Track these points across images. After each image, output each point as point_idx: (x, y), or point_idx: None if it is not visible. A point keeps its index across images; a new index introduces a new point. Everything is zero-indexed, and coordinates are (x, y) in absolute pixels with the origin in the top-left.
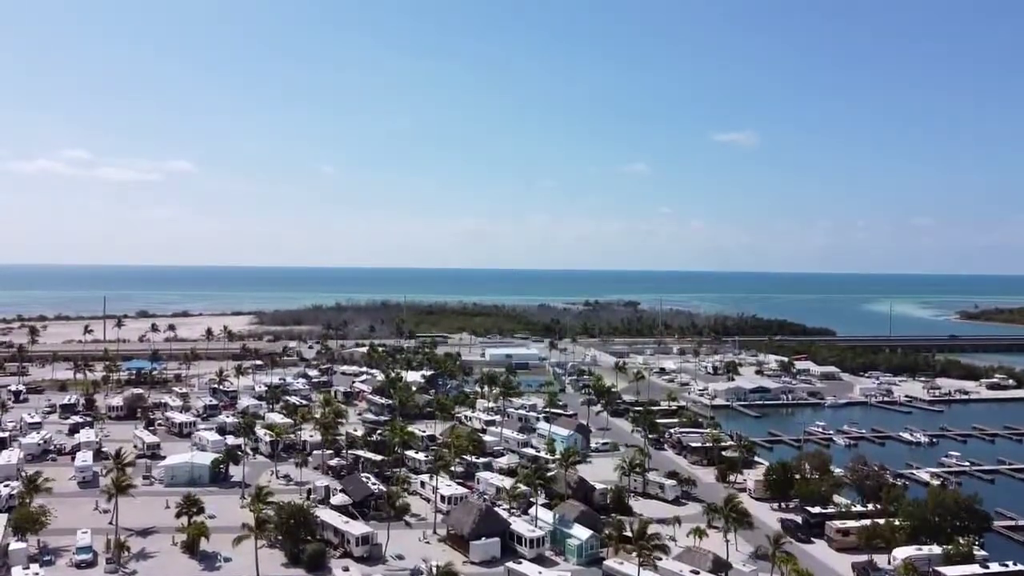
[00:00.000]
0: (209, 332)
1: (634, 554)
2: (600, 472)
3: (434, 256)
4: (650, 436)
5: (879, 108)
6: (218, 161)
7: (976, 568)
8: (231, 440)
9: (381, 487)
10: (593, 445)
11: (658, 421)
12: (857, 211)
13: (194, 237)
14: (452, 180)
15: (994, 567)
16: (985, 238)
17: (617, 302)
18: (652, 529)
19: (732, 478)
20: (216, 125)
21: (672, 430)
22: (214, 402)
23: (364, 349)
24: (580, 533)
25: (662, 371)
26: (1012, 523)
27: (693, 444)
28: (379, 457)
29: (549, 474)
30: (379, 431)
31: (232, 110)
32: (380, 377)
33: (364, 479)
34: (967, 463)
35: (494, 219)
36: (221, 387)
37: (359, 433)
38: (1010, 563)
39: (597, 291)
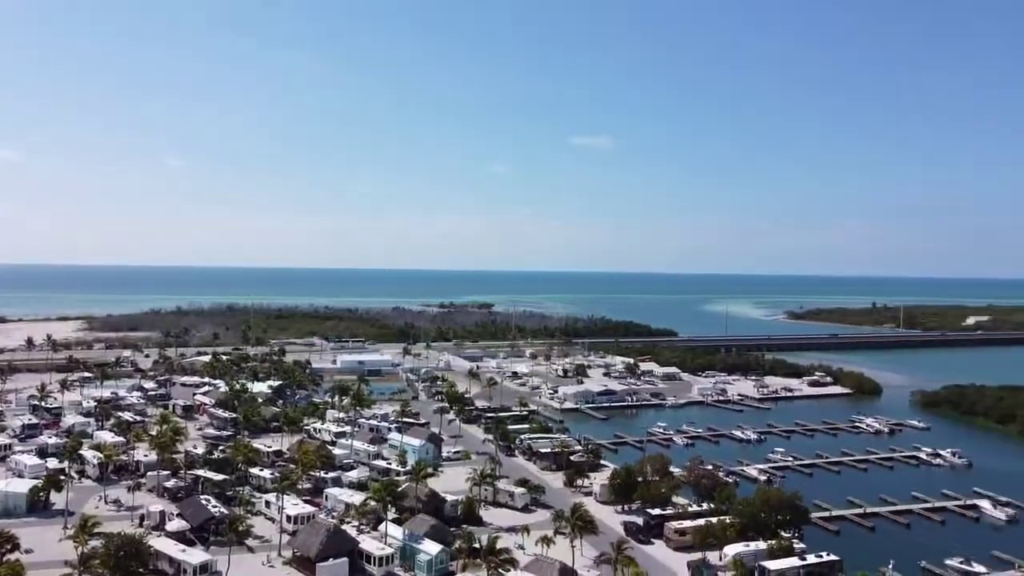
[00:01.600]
0: (30, 341)
1: (483, 569)
2: (452, 482)
3: (289, 254)
4: (502, 443)
5: (728, 118)
6: (49, 151)
7: (795, 560)
8: (53, 463)
9: (223, 509)
10: (445, 454)
11: (510, 427)
12: (707, 214)
13: (16, 232)
14: (310, 176)
15: (810, 558)
16: (814, 241)
17: (472, 304)
18: (502, 538)
19: (579, 483)
20: (49, 113)
21: (523, 436)
22: (34, 421)
23: (206, 358)
24: (430, 548)
25: (515, 375)
26: (827, 514)
27: (543, 450)
28: (221, 477)
29: (400, 488)
30: (221, 448)
31: (68, 96)
32: (224, 388)
33: (204, 501)
34: (790, 458)
35: (351, 217)
36: (43, 404)
37: (199, 451)
38: (824, 553)
39: (454, 292)
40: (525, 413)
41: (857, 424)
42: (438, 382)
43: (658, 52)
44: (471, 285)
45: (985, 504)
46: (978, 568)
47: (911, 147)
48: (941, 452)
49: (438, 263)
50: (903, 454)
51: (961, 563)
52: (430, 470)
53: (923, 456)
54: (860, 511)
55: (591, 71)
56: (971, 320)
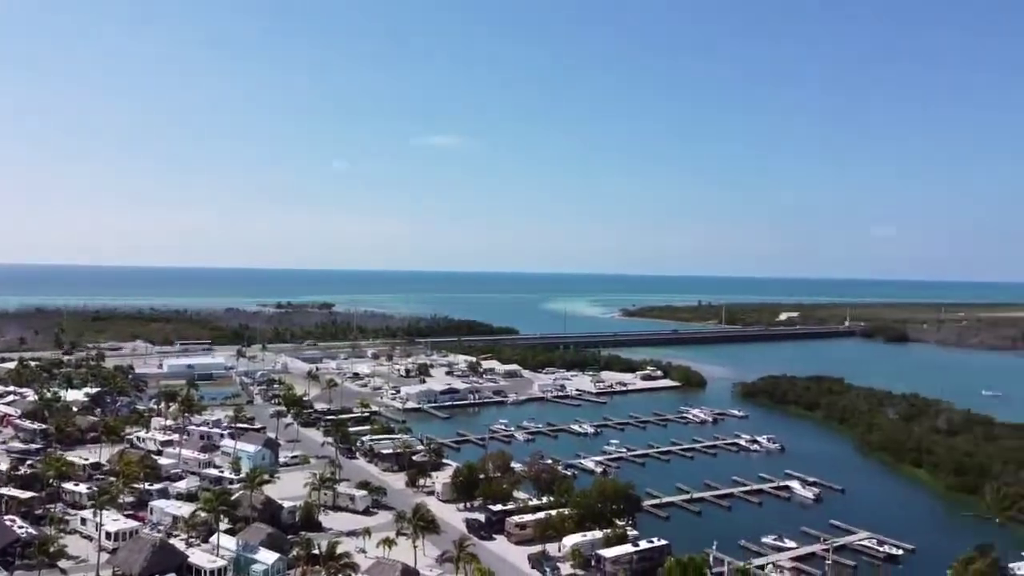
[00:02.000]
0: None
1: (322, 575)
2: (290, 488)
3: (117, 251)
4: (342, 445)
5: (575, 118)
6: None
7: (629, 547)
8: None
9: (31, 530)
10: (283, 459)
11: (350, 429)
12: (548, 216)
13: None
14: (131, 167)
15: (643, 544)
16: (647, 243)
17: (311, 305)
18: (342, 543)
19: (422, 482)
20: None
21: (364, 438)
22: None
23: (12, 364)
24: (266, 557)
25: (356, 376)
26: (658, 501)
27: (384, 451)
28: (29, 494)
29: (233, 497)
30: (30, 462)
31: None
32: (32, 397)
33: (8, 523)
34: (624, 450)
35: (182, 210)
36: None
37: (3, 467)
38: (655, 539)
39: (292, 292)
40: (366, 414)
41: (685, 415)
42: (275, 385)
43: (505, 51)
44: (309, 286)
45: (795, 485)
46: (789, 543)
47: (738, 152)
48: (758, 439)
49: (282, 262)
50: (725, 442)
51: (775, 540)
52: (266, 476)
53: (742, 443)
54: (687, 497)
55: (435, 68)
56: (783, 316)
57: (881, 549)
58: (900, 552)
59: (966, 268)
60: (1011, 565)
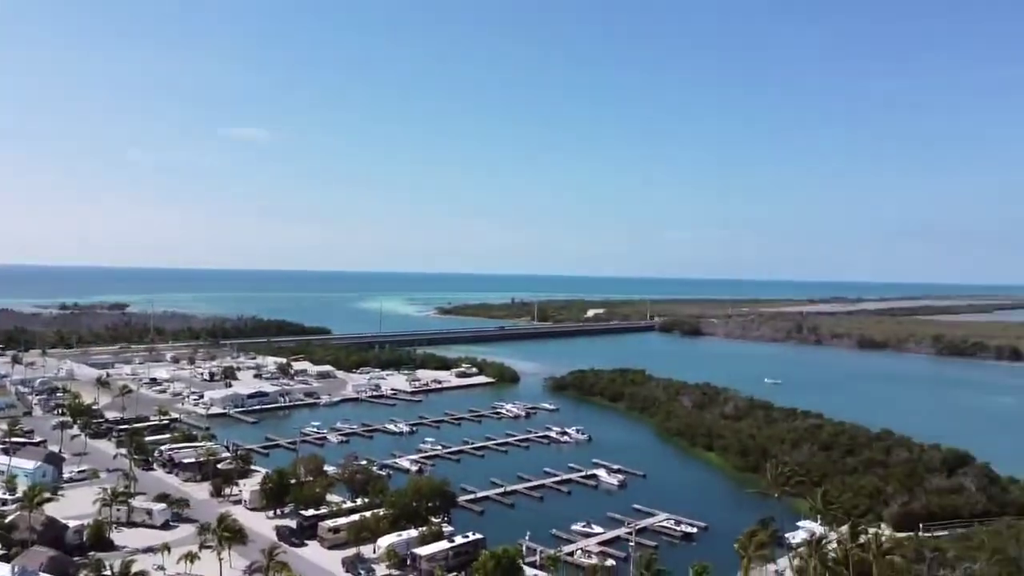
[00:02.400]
0: None
1: None
2: (77, 506)
3: None
4: (138, 456)
5: (399, 114)
6: None
7: (444, 544)
8: None
9: None
10: (67, 475)
11: (147, 439)
12: (369, 211)
13: None
14: None
15: (458, 540)
16: (460, 241)
17: (101, 305)
18: (138, 561)
19: (228, 491)
20: None
21: (163, 447)
22: None
23: None
24: None
25: (153, 382)
26: (473, 496)
27: (186, 460)
28: None
29: (8, 519)
30: None
31: None
32: None
33: None
34: (440, 447)
35: None
36: None
37: None
38: (470, 533)
39: (79, 292)
40: (166, 422)
41: (498, 410)
42: (58, 394)
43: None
44: (100, 284)
45: (602, 473)
46: (597, 529)
47: (550, 159)
48: (568, 430)
49: (64, 258)
50: (537, 435)
51: (583, 526)
52: (47, 495)
53: (553, 435)
54: (501, 490)
55: (246, 57)
56: (590, 313)
57: (678, 528)
58: (695, 530)
59: (748, 268)
60: (787, 534)
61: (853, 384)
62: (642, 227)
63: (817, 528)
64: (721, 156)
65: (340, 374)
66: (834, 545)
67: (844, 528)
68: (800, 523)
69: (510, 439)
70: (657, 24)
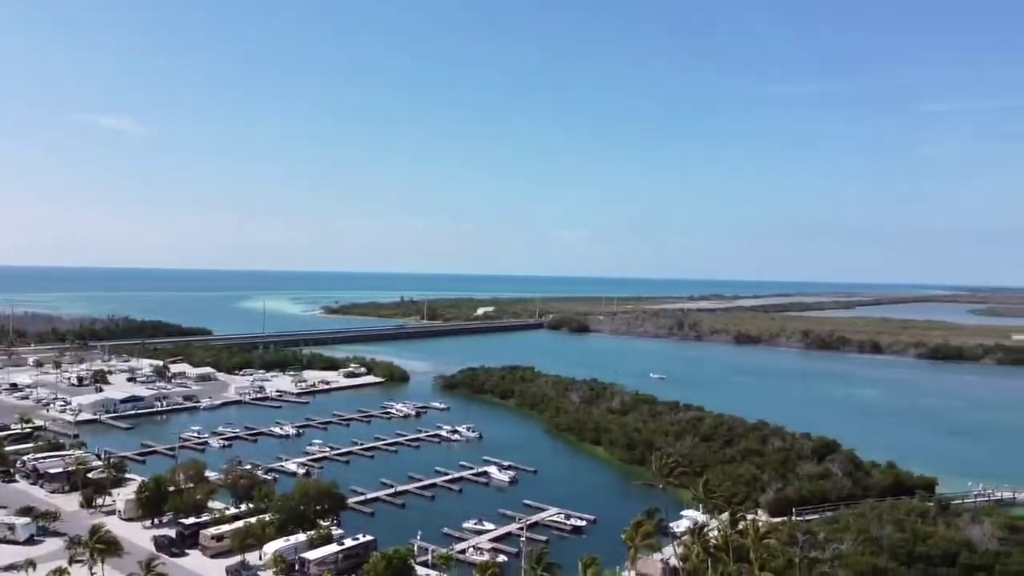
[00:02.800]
0: None
1: None
2: None
3: None
4: None
5: (278, 116)
6: None
7: (334, 547)
8: None
9: None
10: None
11: (7, 448)
12: (242, 206)
13: None
14: None
15: (348, 542)
16: (345, 238)
17: None
18: None
19: (100, 502)
20: None
21: (26, 457)
22: None
23: None
24: None
25: (14, 387)
26: (363, 498)
27: (52, 470)
28: None
29: None
30: None
31: None
32: None
33: None
34: (328, 449)
35: None
36: None
37: None
38: (360, 535)
39: None
40: (28, 430)
41: (388, 410)
42: None
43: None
44: None
45: (493, 470)
46: (488, 526)
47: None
48: (459, 428)
49: None
50: (428, 434)
51: (475, 524)
52: None
53: (444, 434)
54: (392, 490)
55: (115, 46)
56: (480, 311)
57: (568, 522)
58: (584, 523)
59: (633, 267)
60: (672, 524)
61: (731, 377)
62: (534, 227)
63: (699, 516)
64: (601, 158)
65: (222, 376)
66: (715, 532)
67: (724, 515)
68: (683, 512)
69: (400, 439)
70: (521, 26)
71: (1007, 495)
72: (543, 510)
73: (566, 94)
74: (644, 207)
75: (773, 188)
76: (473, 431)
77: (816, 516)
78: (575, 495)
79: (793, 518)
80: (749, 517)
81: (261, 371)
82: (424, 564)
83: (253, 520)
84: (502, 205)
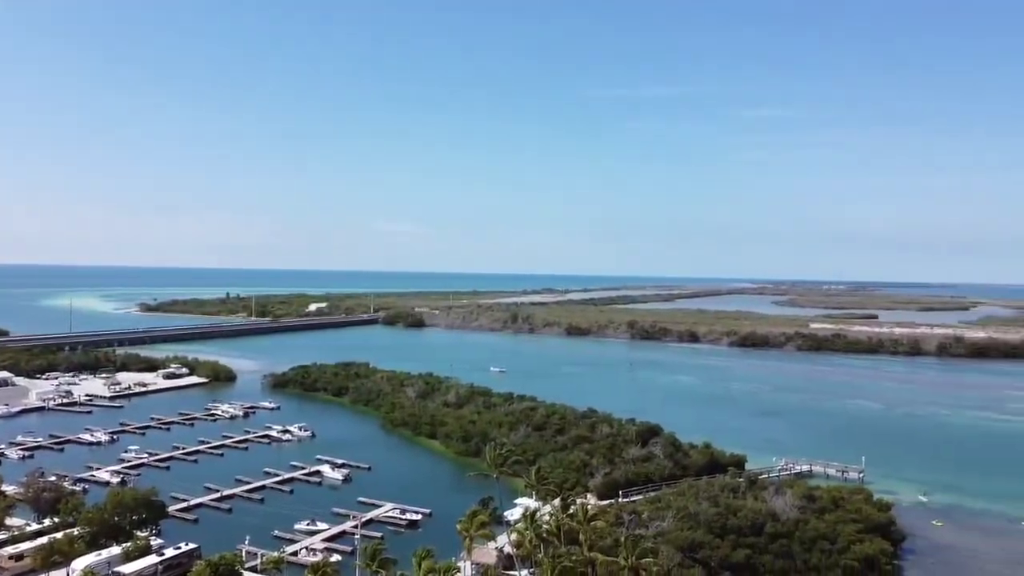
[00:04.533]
0: None
1: None
2: None
3: None
4: None
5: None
6: None
7: (153, 558)
8: None
9: None
10: None
11: None
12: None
13: None
14: None
15: (169, 552)
16: (159, 232)
17: None
18: None
19: None
20: None
21: None
22: None
23: None
24: None
25: None
26: (185, 504)
27: None
28: None
29: None
30: None
31: None
32: None
33: None
34: (146, 455)
35: None
36: None
37: None
38: (183, 544)
39: None
40: None
41: (214, 412)
42: None
43: None
44: None
45: (326, 468)
46: (322, 525)
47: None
48: (290, 428)
49: None
50: (257, 434)
51: (308, 524)
52: None
53: (274, 434)
54: (217, 495)
55: None
56: (312, 307)
57: (404, 517)
58: (420, 517)
59: (470, 262)
60: (506, 512)
61: (563, 368)
62: (359, 220)
63: (532, 503)
64: (430, 150)
65: (21, 381)
66: (547, 517)
67: (556, 501)
68: (517, 500)
69: (227, 441)
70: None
71: (805, 468)
72: (378, 506)
73: (390, 76)
74: (478, 203)
75: (604, 188)
76: (305, 430)
77: (641, 497)
78: (410, 490)
79: (620, 500)
80: (579, 501)
81: (68, 374)
82: (253, 569)
83: (59, 535)
84: (328, 199)
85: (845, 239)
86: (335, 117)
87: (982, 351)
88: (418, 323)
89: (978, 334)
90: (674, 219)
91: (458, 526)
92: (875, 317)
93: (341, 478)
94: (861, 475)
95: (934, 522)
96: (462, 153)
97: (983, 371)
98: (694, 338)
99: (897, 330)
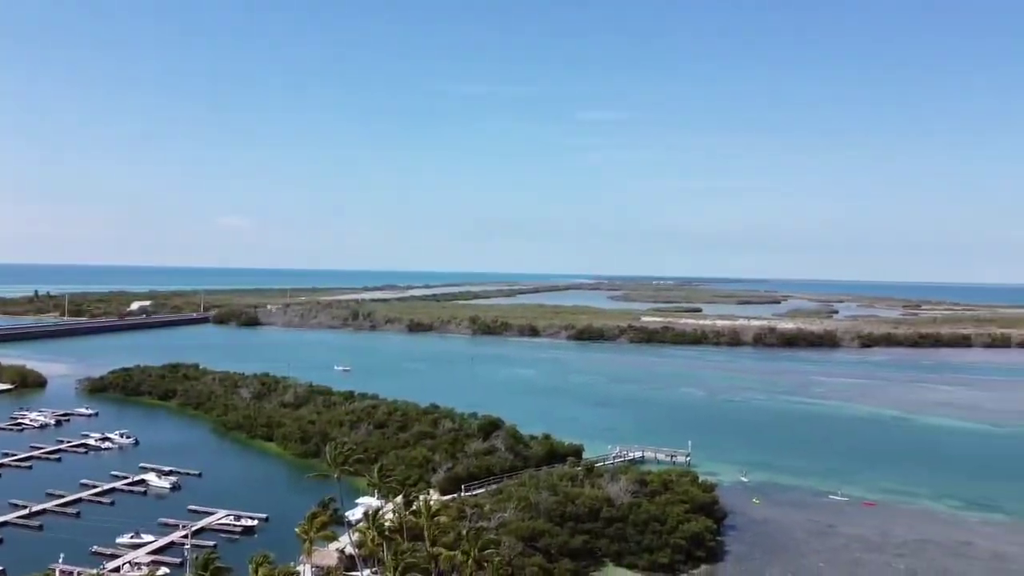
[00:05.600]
0: None
1: None
2: None
3: None
4: None
5: None
6: None
7: None
8: None
9: None
10: None
11: None
12: None
13: None
14: None
15: None
16: None
17: None
18: None
19: None
20: None
21: None
22: None
23: None
24: None
25: None
26: None
27: None
28: None
29: None
30: None
31: None
32: None
33: None
34: None
35: None
36: None
37: None
38: None
39: None
40: None
41: (20, 421)
42: None
43: None
44: None
45: (151, 476)
46: (147, 538)
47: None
48: (110, 435)
49: None
50: (72, 444)
51: (132, 537)
52: None
53: (92, 442)
54: (25, 512)
55: None
56: (135, 305)
57: (239, 523)
58: (256, 522)
59: (308, 258)
60: (348, 512)
61: (406, 364)
62: (201, 214)
63: (375, 502)
64: (275, 146)
65: None
66: (390, 515)
67: (399, 498)
68: (359, 500)
69: (36, 452)
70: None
71: (638, 454)
72: (210, 514)
73: (241, 72)
74: (322, 200)
75: (448, 186)
76: (127, 437)
77: (483, 490)
78: (246, 495)
79: (463, 494)
80: (422, 498)
81: None
82: None
83: None
84: (168, 191)
85: (673, 237)
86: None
87: (791, 341)
88: (253, 321)
89: (788, 325)
90: (516, 217)
91: (297, 529)
92: (699, 310)
93: (169, 486)
94: (688, 458)
95: (754, 500)
96: (308, 150)
97: (792, 359)
98: (534, 332)
99: (719, 322)
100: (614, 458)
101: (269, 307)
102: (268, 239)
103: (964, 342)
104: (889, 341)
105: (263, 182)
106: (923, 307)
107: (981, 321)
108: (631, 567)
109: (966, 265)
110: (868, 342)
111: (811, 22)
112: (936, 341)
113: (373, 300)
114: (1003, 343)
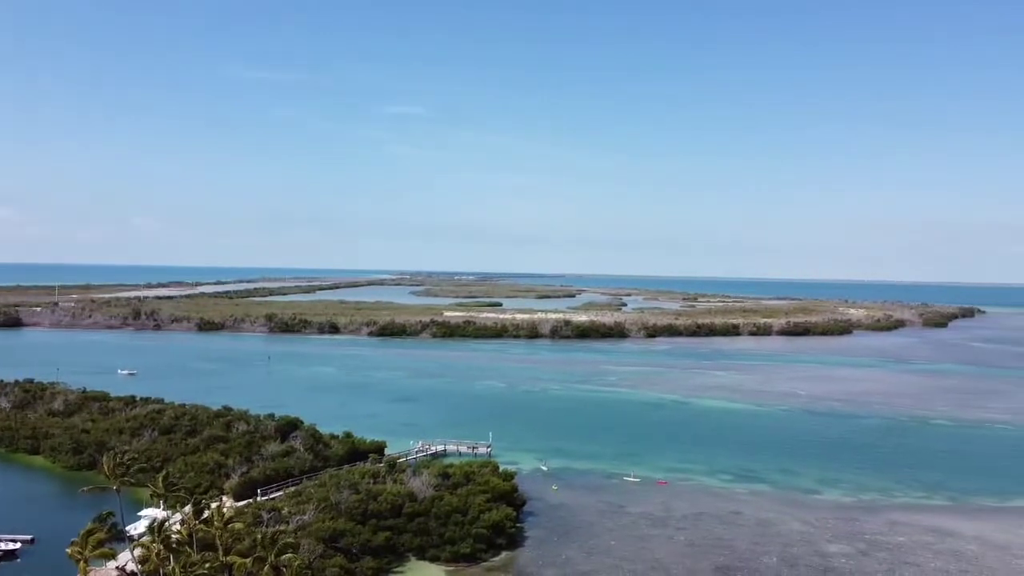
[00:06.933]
0: None
1: None
2: None
3: None
4: None
5: None
6: None
7: None
8: None
9: None
10: None
11: None
12: None
13: None
14: None
15: None
16: None
17: None
18: None
19: None
20: None
21: None
22: None
23: None
24: None
25: None
26: None
27: None
28: None
29: None
30: None
31: None
32: None
33: None
34: None
35: None
36: None
37: None
38: None
39: None
40: None
41: None
42: None
43: None
44: None
45: None
46: None
47: None
48: None
49: None
50: None
51: None
52: None
53: None
54: None
55: None
56: None
57: None
58: (18, 545)
59: (82, 253)
60: (130, 526)
61: (196, 365)
62: None
63: (160, 513)
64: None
65: None
66: (178, 526)
67: (188, 508)
68: (143, 512)
69: None
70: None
71: (440, 448)
72: None
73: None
74: (92, 189)
75: (236, 177)
76: None
77: (281, 493)
78: (7, 515)
79: (259, 498)
80: (214, 505)
81: None
82: None
83: None
84: None
85: (473, 232)
86: None
87: (585, 332)
88: (14, 322)
89: (582, 318)
90: (317, 212)
91: (69, 549)
92: (500, 305)
93: None
94: (489, 449)
95: (552, 487)
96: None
97: (586, 350)
98: (335, 329)
99: (518, 316)
100: (417, 453)
101: (34, 308)
102: (28, 232)
103: (734, 331)
104: (671, 331)
105: (33, 174)
106: (699, 299)
107: (747, 312)
108: (434, 560)
109: (732, 262)
110: (653, 332)
111: (586, 28)
112: (710, 331)
113: (157, 297)
114: (765, 332)
